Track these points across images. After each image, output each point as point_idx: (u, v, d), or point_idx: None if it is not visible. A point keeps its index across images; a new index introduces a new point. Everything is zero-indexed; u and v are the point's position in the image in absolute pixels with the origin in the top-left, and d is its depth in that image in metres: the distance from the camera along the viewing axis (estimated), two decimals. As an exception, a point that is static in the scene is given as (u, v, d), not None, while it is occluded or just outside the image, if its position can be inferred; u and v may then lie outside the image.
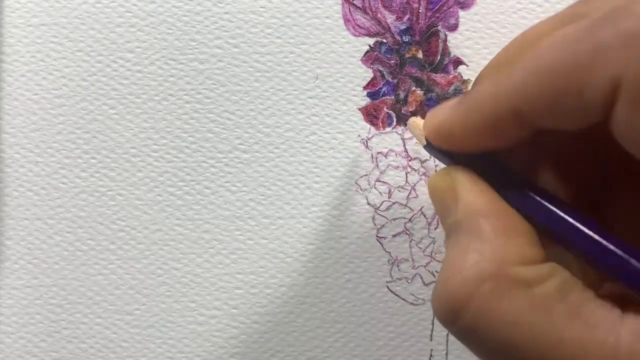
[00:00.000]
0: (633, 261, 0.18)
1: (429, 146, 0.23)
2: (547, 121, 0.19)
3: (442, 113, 0.21)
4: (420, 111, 0.30)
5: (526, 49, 0.20)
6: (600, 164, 0.21)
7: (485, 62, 0.30)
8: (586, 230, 0.19)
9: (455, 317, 0.18)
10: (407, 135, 0.30)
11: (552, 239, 0.20)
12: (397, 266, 0.30)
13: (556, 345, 0.17)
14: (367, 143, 0.30)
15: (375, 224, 0.30)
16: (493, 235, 0.19)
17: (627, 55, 0.16)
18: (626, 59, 0.16)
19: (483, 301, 0.18)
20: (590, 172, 0.21)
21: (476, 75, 0.29)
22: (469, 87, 0.30)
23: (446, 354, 0.30)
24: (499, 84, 0.19)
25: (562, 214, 0.19)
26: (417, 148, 0.30)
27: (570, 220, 0.19)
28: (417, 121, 0.24)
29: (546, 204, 0.19)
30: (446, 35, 0.30)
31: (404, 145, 0.30)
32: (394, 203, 0.30)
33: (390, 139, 0.30)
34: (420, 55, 0.30)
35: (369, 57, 0.30)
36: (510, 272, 0.18)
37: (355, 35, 0.30)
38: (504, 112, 0.19)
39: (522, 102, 0.18)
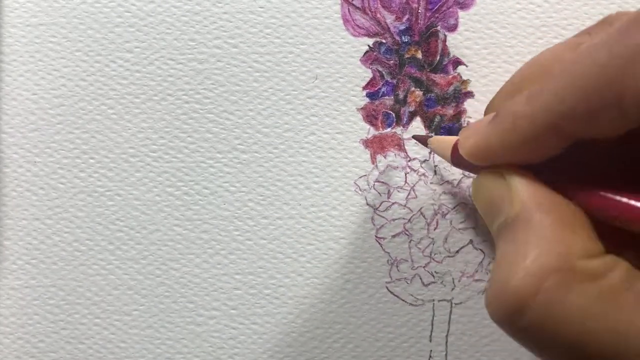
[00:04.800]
0: None
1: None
2: (587, 132, 0.19)
3: (476, 134, 0.22)
4: (420, 111, 0.30)
5: (546, 71, 0.20)
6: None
7: (485, 62, 0.30)
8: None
9: (519, 314, 0.18)
10: (406, 135, 0.30)
11: (617, 225, 0.19)
12: (396, 267, 0.30)
13: (628, 333, 0.17)
14: (366, 143, 0.30)
15: (374, 225, 0.30)
16: (554, 229, 0.19)
17: None
18: None
19: (549, 296, 0.18)
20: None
21: (476, 75, 0.30)
22: (468, 87, 0.30)
23: (445, 355, 0.30)
24: (532, 103, 0.19)
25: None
26: (416, 148, 0.30)
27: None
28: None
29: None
30: (445, 36, 0.30)
31: (403, 145, 0.30)
32: (393, 203, 0.30)
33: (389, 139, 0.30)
34: (419, 55, 0.30)
35: (368, 58, 0.30)
36: (575, 265, 0.18)
37: (354, 36, 0.30)
38: (542, 129, 0.19)
39: (560, 118, 0.19)
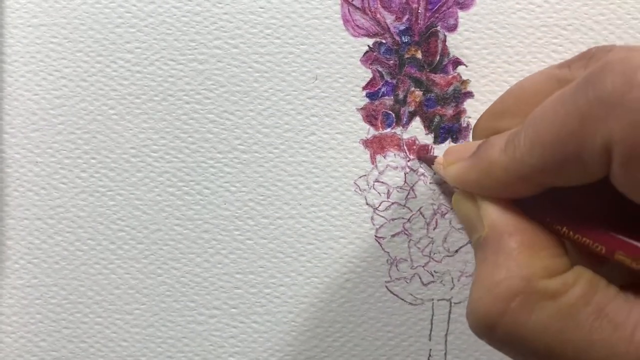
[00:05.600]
0: None
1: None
2: (555, 182, 0.20)
3: (458, 161, 0.23)
4: (419, 111, 0.30)
5: (523, 103, 0.22)
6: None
7: (485, 63, 0.30)
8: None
9: (490, 331, 0.20)
10: (406, 136, 0.30)
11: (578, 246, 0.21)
12: (396, 266, 0.30)
13: (586, 348, 0.18)
14: (366, 143, 0.30)
15: (374, 224, 0.30)
16: (518, 252, 0.20)
17: (609, 122, 0.17)
18: (608, 125, 0.17)
19: (514, 316, 0.19)
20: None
21: (475, 75, 0.30)
22: (468, 87, 0.30)
23: (445, 353, 0.30)
24: (507, 154, 0.21)
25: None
26: (415, 148, 0.30)
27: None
28: (440, 161, 0.26)
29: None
30: (445, 36, 0.30)
31: (403, 145, 0.30)
32: (392, 203, 0.30)
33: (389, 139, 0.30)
34: (419, 55, 0.30)
35: (368, 58, 0.30)
36: (536, 286, 0.19)
37: (354, 36, 0.30)
38: (514, 179, 0.21)
39: (529, 171, 0.20)
